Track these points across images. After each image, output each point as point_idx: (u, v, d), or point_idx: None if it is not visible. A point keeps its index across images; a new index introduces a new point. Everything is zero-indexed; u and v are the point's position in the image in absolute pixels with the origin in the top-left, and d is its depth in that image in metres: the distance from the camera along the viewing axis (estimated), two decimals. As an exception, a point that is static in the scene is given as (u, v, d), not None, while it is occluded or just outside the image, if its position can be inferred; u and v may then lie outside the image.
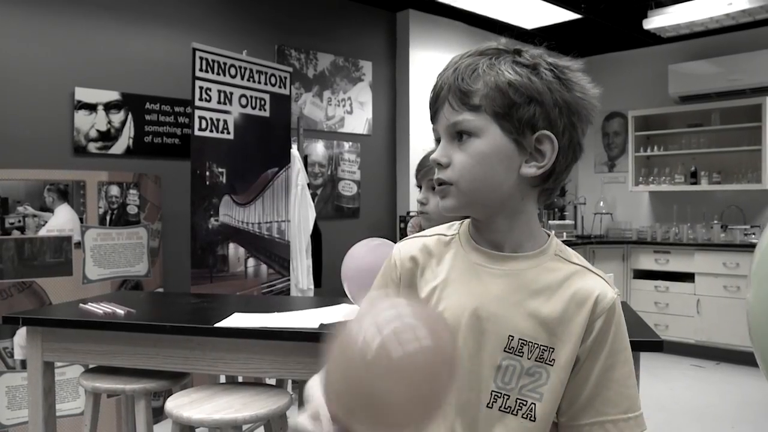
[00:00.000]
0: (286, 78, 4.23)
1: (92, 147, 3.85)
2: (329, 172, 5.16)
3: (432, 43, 5.68)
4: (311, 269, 4.42)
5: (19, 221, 3.34)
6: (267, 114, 4.09)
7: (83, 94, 3.79)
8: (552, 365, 0.95)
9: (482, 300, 0.96)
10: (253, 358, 1.99)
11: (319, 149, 5.08)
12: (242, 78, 3.91)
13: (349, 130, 5.27)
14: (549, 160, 0.94)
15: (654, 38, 5.90)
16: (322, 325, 1.96)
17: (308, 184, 4.44)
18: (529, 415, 0.95)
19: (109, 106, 3.91)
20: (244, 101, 3.92)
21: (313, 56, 5.00)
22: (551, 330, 0.95)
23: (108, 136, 3.92)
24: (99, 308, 2.32)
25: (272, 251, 4.21)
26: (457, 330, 0.96)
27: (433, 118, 0.99)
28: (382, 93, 5.51)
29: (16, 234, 3.31)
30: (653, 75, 6.36)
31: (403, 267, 1.05)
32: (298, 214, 4.34)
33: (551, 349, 0.95)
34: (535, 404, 0.95)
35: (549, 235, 1.02)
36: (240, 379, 2.58)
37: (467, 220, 1.05)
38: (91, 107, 3.84)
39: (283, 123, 4.22)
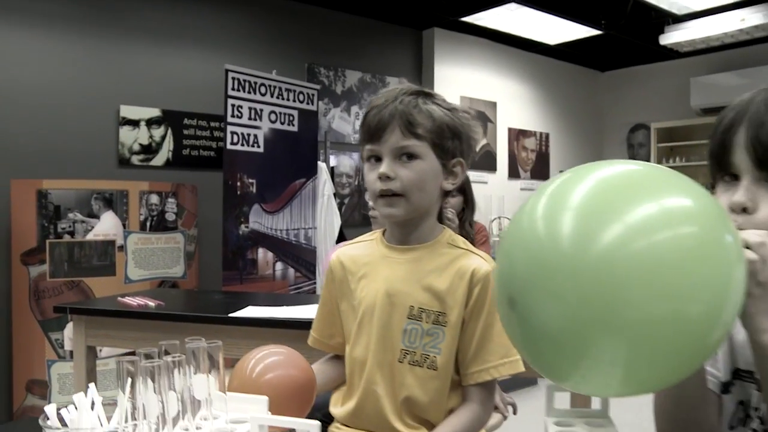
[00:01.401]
0: (313, 95, 4.54)
1: (135, 159, 4.23)
2: (356, 183, 5.45)
3: (457, 60, 5.93)
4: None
5: (70, 226, 3.71)
6: (295, 129, 4.40)
7: (127, 111, 4.17)
8: (445, 326, 1.25)
9: (391, 282, 1.29)
10: (263, 344, 2.27)
11: (346, 161, 5.38)
12: (272, 96, 4.23)
13: (375, 143, 5.55)
14: (460, 179, 1.30)
15: (675, 52, 6.03)
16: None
17: (335, 194, 4.74)
18: (432, 366, 1.25)
19: (150, 122, 4.29)
20: (273, 117, 4.24)
21: (341, 73, 5.31)
22: (442, 299, 1.26)
23: (149, 149, 4.30)
24: (134, 301, 2.64)
25: (299, 256, 4.51)
26: (374, 307, 1.28)
27: (376, 139, 1.26)
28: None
29: (67, 238, 3.68)
30: (676, 87, 6.48)
31: (335, 270, 1.39)
32: (324, 222, 4.64)
33: (443, 314, 1.26)
34: (436, 357, 1.25)
35: (444, 229, 1.35)
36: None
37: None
38: (135, 123, 4.22)
39: (310, 137, 4.52)
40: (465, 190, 2.95)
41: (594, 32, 5.80)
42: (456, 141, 1.28)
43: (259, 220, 4.21)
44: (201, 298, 3.04)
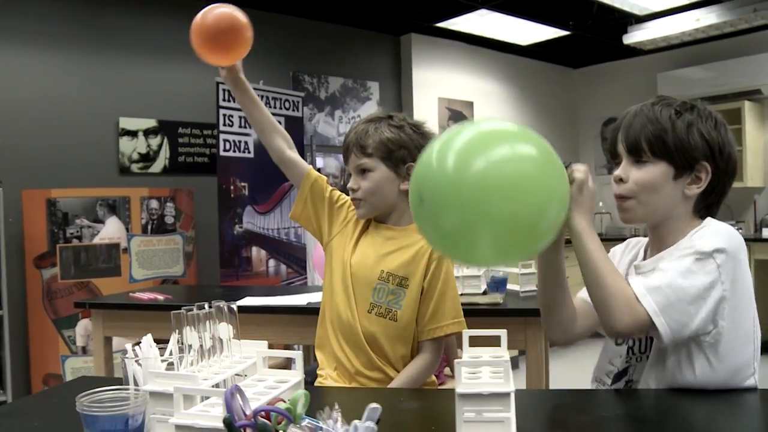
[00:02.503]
0: (298, 102, 4.86)
1: (135, 167, 4.54)
2: (341, 182, 5.77)
3: (434, 63, 6.26)
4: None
5: (77, 232, 4.01)
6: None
7: (126, 122, 4.48)
8: (407, 288, 1.65)
9: (371, 252, 1.70)
10: (258, 329, 2.60)
11: (332, 162, 5.70)
12: (260, 104, 4.54)
13: (359, 144, 5.87)
14: None
15: (639, 50, 6.38)
16: (309, 303, 2.55)
17: (321, 194, 5.05)
18: (393, 318, 1.65)
19: (147, 132, 4.59)
20: (262, 124, 4.55)
21: (324, 80, 5.63)
22: (407, 267, 1.66)
23: (148, 158, 4.60)
24: (144, 295, 2.96)
25: (290, 253, 4.84)
26: (360, 268, 1.68)
27: (345, 161, 1.74)
28: (388, 109, 6.07)
29: (75, 242, 3.98)
30: (644, 82, 6.82)
31: (335, 196, 1.82)
32: (313, 220, 4.95)
33: (406, 278, 1.65)
34: (397, 311, 1.63)
35: None
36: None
37: None
38: (133, 134, 4.52)
39: (297, 141, 4.79)
40: None
41: (563, 33, 6.14)
42: (404, 150, 1.68)
43: (252, 221, 4.53)
44: (203, 291, 3.36)
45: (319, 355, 1.74)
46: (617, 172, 1.34)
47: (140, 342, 1.05)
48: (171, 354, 1.03)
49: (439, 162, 1.02)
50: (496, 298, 2.52)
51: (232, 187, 4.38)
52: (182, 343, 1.02)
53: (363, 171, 1.68)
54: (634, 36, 5.69)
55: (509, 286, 2.73)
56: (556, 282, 1.35)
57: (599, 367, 1.43)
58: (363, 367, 1.63)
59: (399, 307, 1.64)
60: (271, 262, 4.69)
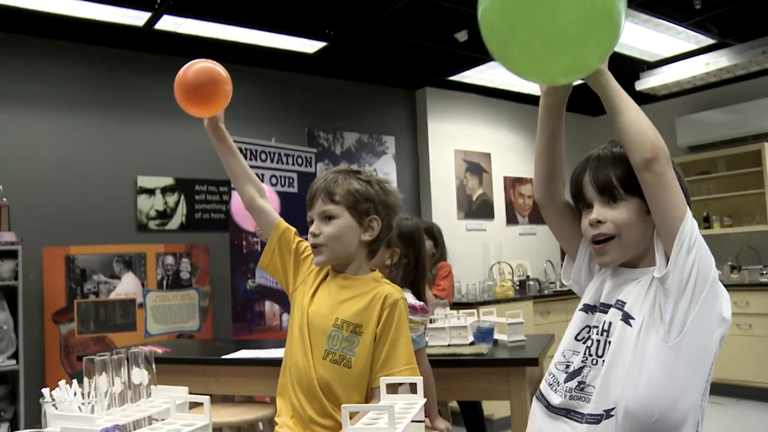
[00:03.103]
0: (311, 158, 4.99)
1: (152, 224, 4.70)
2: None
3: (449, 116, 6.36)
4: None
5: (95, 287, 4.16)
6: (295, 190, 4.83)
7: (144, 181, 4.66)
8: (361, 335, 1.68)
9: (327, 300, 1.74)
10: (248, 381, 2.65)
11: (349, 215, 5.77)
12: (272, 161, 4.68)
13: (376, 197, 5.95)
14: (376, 232, 1.75)
15: (653, 96, 6.37)
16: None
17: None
18: (347, 365, 1.67)
19: (165, 190, 4.77)
20: (274, 180, 4.68)
21: (339, 135, 5.77)
22: (361, 314, 1.69)
23: (165, 215, 4.77)
24: (145, 348, 3.04)
25: (304, 306, 4.88)
26: (316, 316, 1.72)
27: (309, 207, 1.77)
28: (405, 163, 6.20)
29: (92, 298, 4.12)
30: (662, 128, 6.64)
31: (302, 247, 1.86)
32: (327, 273, 5.01)
33: (360, 326, 1.69)
34: (351, 358, 1.66)
35: (372, 270, 1.79)
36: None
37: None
38: (151, 191, 4.70)
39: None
40: (435, 237, 3.49)
41: (578, 81, 6.19)
42: (369, 203, 1.74)
43: (264, 276, 4.60)
44: (203, 345, 3.42)
45: (279, 402, 1.77)
46: (593, 215, 1.36)
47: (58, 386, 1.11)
48: (84, 397, 1.08)
49: None
50: (481, 348, 2.52)
51: (244, 243, 4.49)
52: (92, 389, 1.07)
53: (328, 218, 1.72)
54: (647, 82, 5.71)
55: (497, 336, 2.72)
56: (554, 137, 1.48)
57: (555, 357, 1.44)
58: (317, 415, 1.66)
59: (353, 354, 1.67)
60: (285, 317, 4.74)
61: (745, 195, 6.03)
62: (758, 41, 4.92)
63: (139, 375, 1.11)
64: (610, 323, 1.34)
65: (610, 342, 1.32)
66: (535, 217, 6.94)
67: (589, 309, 1.45)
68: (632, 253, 1.37)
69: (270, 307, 4.65)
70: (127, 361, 1.11)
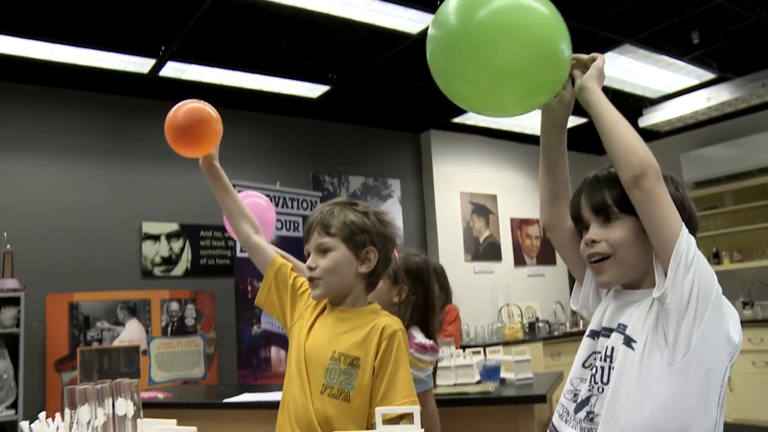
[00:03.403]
0: (316, 202, 4.99)
1: (157, 270, 4.68)
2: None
3: (454, 158, 6.38)
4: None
5: (98, 335, 4.12)
6: (300, 234, 4.82)
7: (149, 227, 4.67)
8: (359, 368, 1.62)
9: (324, 333, 1.68)
10: (251, 424, 2.58)
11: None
12: (277, 205, 4.68)
13: (382, 240, 5.93)
14: (373, 264, 1.69)
15: (656, 132, 6.38)
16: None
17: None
18: (346, 399, 1.60)
19: (170, 236, 4.77)
20: (279, 225, 4.67)
21: (345, 179, 5.78)
22: (358, 347, 1.63)
23: (170, 261, 4.75)
24: (147, 394, 2.99)
25: (311, 350, 4.81)
26: (314, 350, 1.66)
27: (306, 240, 1.73)
28: (410, 206, 6.19)
29: (95, 345, 4.08)
30: (667, 164, 6.64)
31: (298, 283, 1.80)
32: (334, 317, 4.95)
33: (358, 358, 1.62)
34: (349, 392, 1.60)
35: (370, 303, 1.74)
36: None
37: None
38: (156, 237, 4.70)
39: (315, 238, 4.92)
40: (440, 279, 3.39)
41: (581, 120, 6.21)
42: (365, 235, 1.70)
43: (270, 321, 4.55)
44: (208, 390, 3.36)
45: None
46: (587, 235, 1.36)
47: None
48: (66, 429, 1.04)
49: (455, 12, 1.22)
50: (488, 386, 2.45)
51: (249, 288, 4.45)
52: (74, 420, 1.03)
53: (324, 250, 1.69)
54: (651, 118, 5.72)
55: (504, 374, 2.66)
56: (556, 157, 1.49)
57: (565, 387, 1.40)
58: None
59: (351, 387, 1.61)
60: (291, 361, 4.67)
61: (754, 230, 5.97)
62: (757, 74, 4.94)
63: (124, 406, 1.08)
64: (613, 348, 1.30)
65: (613, 368, 1.28)
66: (543, 259, 6.87)
67: (594, 334, 1.41)
68: (631, 274, 1.34)
69: (276, 352, 4.58)
70: (111, 392, 1.07)
